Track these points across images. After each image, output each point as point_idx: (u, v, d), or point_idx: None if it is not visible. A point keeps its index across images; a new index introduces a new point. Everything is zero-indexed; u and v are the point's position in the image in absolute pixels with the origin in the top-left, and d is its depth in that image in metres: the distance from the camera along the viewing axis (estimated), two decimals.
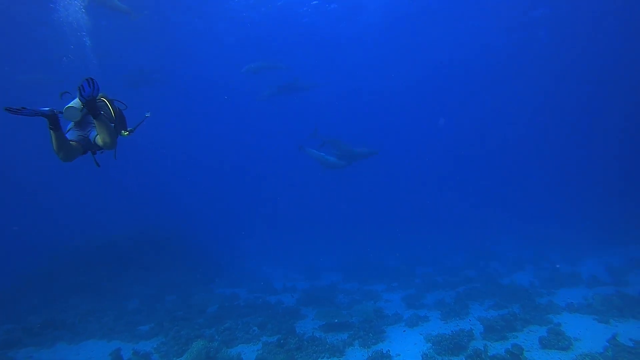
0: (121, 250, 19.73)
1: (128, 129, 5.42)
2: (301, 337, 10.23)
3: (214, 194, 54.08)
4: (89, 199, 43.00)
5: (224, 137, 53.62)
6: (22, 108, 3.79)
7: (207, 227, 32.69)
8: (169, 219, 29.59)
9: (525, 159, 54.24)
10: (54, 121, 4.10)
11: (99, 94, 4.67)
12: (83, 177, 36.82)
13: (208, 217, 40.10)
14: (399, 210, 41.09)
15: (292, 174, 57.80)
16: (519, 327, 9.71)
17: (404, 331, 10.31)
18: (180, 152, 53.38)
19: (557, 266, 16.78)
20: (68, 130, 4.71)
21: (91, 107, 4.26)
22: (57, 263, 18.71)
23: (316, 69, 32.89)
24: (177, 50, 28.14)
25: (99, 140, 4.54)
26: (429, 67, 35.65)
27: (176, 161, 54.76)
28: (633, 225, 21.16)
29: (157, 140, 43.50)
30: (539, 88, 40.04)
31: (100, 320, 12.75)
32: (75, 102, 4.45)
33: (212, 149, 54.77)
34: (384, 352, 8.94)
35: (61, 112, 4.31)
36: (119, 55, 25.31)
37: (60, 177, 40.19)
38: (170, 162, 54.19)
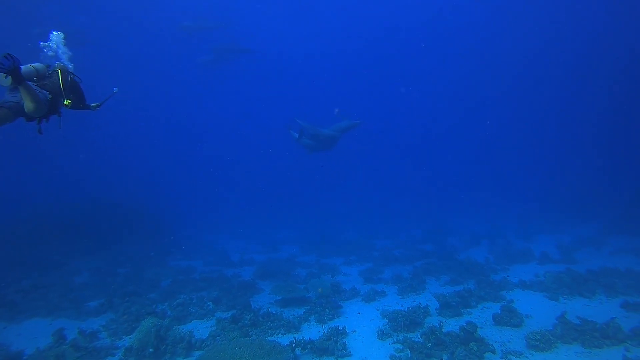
0: (70, 221, 18.60)
1: (94, 103, 5.94)
2: (257, 313, 9.91)
3: (176, 169, 52.51)
4: (37, 169, 40.49)
5: (186, 111, 51.68)
6: None
7: (167, 200, 31.66)
8: (125, 190, 28.38)
9: (486, 142, 55.57)
10: None
11: (58, 65, 5.22)
12: (33, 147, 34.59)
13: (168, 190, 38.84)
14: (362, 187, 41.23)
15: (255, 151, 56.99)
16: (474, 303, 9.81)
17: (359, 313, 10.15)
18: (141, 125, 51.09)
19: (511, 242, 17.31)
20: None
21: (14, 76, 4.43)
22: None
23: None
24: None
25: (25, 106, 4.66)
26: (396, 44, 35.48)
27: (137, 134, 52.43)
28: (583, 205, 22.01)
29: (120, 114, 41.31)
30: (501, 75, 40.80)
31: (45, 296, 11.69)
32: None
33: (175, 125, 52.76)
34: (340, 328, 8.77)
35: None
36: None
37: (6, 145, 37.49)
38: (131, 134, 51.80)
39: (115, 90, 6.16)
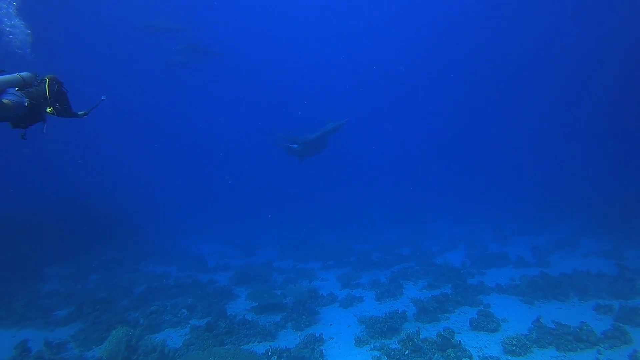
0: (42, 224, 17.93)
1: (82, 111, 6.13)
2: (232, 320, 9.71)
3: (152, 172, 51.47)
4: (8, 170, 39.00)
5: (164, 117, 50.75)
6: None
7: (143, 204, 30.94)
8: (100, 193, 27.57)
9: (463, 147, 56.48)
10: None
11: (47, 75, 5.50)
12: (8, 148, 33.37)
13: (144, 194, 38.00)
14: (341, 191, 41.20)
15: (234, 155, 56.43)
16: (451, 308, 9.81)
17: (331, 324, 10.04)
18: (117, 127, 49.83)
19: (488, 245, 17.51)
20: None
21: None
22: None
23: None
24: None
25: None
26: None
27: (112, 137, 51.13)
28: (556, 208, 22.46)
29: (97, 118, 40.17)
30: (480, 80, 41.55)
31: (9, 306, 11.14)
32: None
33: (152, 129, 51.66)
34: (317, 335, 8.65)
35: None
36: None
37: None
38: (105, 137, 50.48)
39: (103, 98, 6.37)
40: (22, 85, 5.18)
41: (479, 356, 7.33)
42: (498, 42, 34.50)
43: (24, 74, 5.25)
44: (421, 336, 8.04)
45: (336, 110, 47.86)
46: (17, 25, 8.08)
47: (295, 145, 15.93)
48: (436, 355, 7.26)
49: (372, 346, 8.07)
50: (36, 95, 5.26)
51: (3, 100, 4.81)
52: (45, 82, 5.46)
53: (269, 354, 7.67)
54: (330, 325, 9.53)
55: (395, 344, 7.96)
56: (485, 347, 7.75)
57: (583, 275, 11.48)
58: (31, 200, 22.63)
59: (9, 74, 5.05)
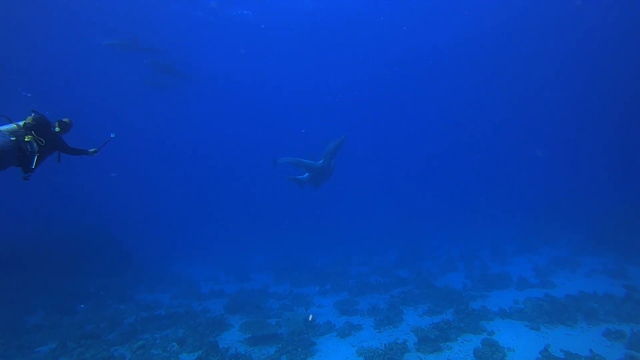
0: (26, 253, 17.33)
1: (92, 149, 6.68)
2: (224, 355, 9.22)
3: (142, 195, 50.89)
4: None
5: (153, 135, 50.38)
6: None
7: (133, 227, 30.27)
8: (88, 217, 26.94)
9: (458, 163, 56.47)
10: None
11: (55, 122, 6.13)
12: None
13: (134, 217, 37.33)
14: (335, 210, 40.78)
15: (225, 175, 56.06)
16: (453, 336, 9.32)
17: (328, 357, 9.54)
18: (106, 151, 49.29)
19: (488, 264, 17.08)
20: None
21: None
22: None
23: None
24: None
25: None
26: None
27: (98, 157, 50.55)
28: (554, 223, 22.10)
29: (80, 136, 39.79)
30: (469, 92, 41.60)
31: None
32: None
33: (141, 148, 51.18)
34: None
35: None
36: None
37: None
38: (95, 159, 49.89)
39: (112, 135, 6.71)
40: (16, 130, 5.63)
41: None
42: (494, 54, 34.56)
43: (21, 123, 5.73)
44: None
45: (330, 126, 47.82)
46: None
47: (305, 176, 14.86)
48: None
49: None
50: (21, 132, 5.63)
51: None
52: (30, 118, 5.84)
53: None
54: (327, 357, 9.02)
55: None
56: None
57: (589, 297, 11.06)
58: (15, 225, 22.08)
59: (9, 123, 5.64)
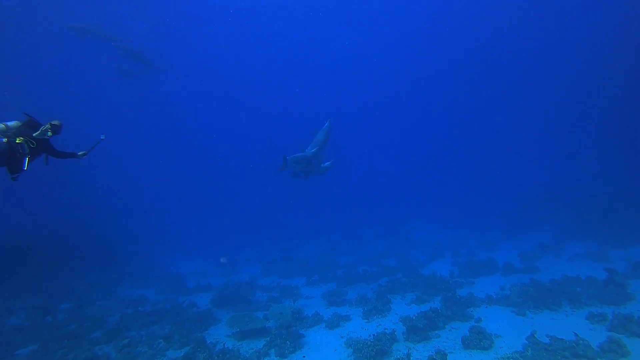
0: (7, 251, 16.89)
1: (81, 152, 6.87)
2: (211, 350, 9.14)
3: (127, 188, 50.04)
4: None
5: (139, 128, 49.39)
6: None
7: (119, 222, 29.74)
8: (70, 212, 26.36)
9: (447, 153, 56.79)
10: None
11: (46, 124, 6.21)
12: None
13: (121, 212, 36.66)
14: (324, 199, 40.70)
15: (213, 168, 55.43)
16: (441, 324, 9.40)
17: (317, 349, 9.52)
18: (88, 144, 48.10)
19: (474, 251, 17.26)
20: None
21: None
22: None
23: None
24: None
25: None
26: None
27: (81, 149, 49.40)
28: (539, 209, 22.37)
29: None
30: (454, 82, 41.76)
31: None
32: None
33: (128, 141, 50.13)
34: None
35: None
36: None
37: None
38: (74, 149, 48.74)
39: (102, 137, 6.78)
40: (5, 131, 5.89)
41: None
42: (473, 50, 34.67)
43: (10, 123, 6.00)
44: (412, 359, 7.60)
45: (317, 116, 47.46)
46: None
47: (297, 168, 14.47)
48: None
49: None
50: (11, 134, 5.86)
51: None
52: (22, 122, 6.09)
53: None
54: (316, 349, 9.01)
55: None
56: None
57: (573, 281, 11.25)
58: None
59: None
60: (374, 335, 8.88)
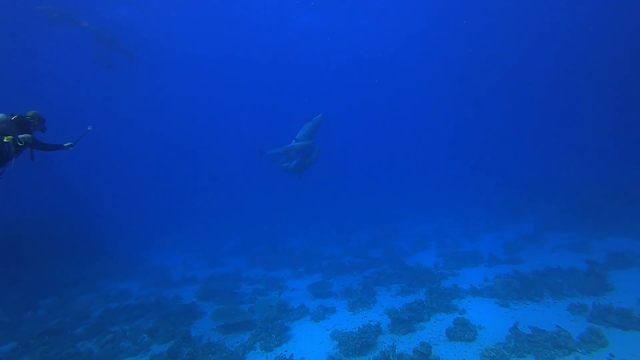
0: None
1: (68, 142, 6.84)
2: (196, 344, 9.08)
3: (112, 183, 49.25)
4: None
5: (123, 121, 48.49)
6: None
7: (103, 216, 29.31)
8: (52, 204, 25.79)
9: (435, 144, 57.10)
10: None
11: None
12: None
13: (105, 206, 36.09)
14: (309, 189, 40.71)
15: (199, 161, 54.86)
16: (426, 316, 9.46)
17: (302, 342, 9.51)
18: (69, 136, 47.03)
19: (459, 242, 17.42)
20: None
21: None
22: None
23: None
24: None
25: None
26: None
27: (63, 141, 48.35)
28: (523, 200, 22.67)
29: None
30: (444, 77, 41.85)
31: None
32: None
33: (112, 135, 49.17)
34: (287, 356, 8.14)
35: None
36: None
37: None
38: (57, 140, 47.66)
39: (89, 128, 6.72)
40: None
41: None
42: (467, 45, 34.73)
43: None
44: (397, 351, 7.64)
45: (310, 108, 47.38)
46: None
47: (293, 162, 14.37)
48: None
49: None
50: (0, 130, 5.89)
51: None
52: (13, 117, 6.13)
53: None
54: (302, 342, 9.00)
55: None
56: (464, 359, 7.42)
57: (555, 272, 11.39)
58: None
59: None
60: (359, 327, 8.93)
